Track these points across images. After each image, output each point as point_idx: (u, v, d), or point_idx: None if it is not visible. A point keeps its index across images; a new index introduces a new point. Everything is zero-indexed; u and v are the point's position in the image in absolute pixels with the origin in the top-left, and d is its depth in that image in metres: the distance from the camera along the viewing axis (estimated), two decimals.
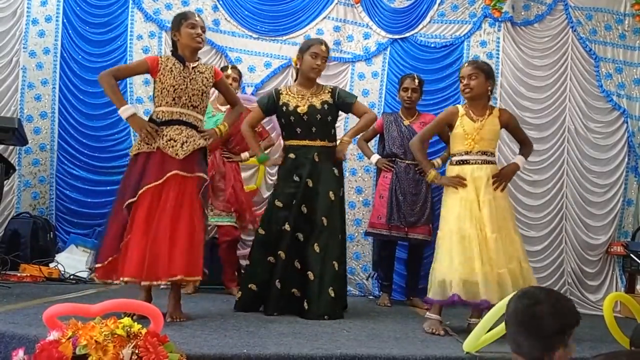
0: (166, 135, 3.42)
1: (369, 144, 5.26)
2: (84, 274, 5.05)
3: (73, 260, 5.18)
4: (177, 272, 3.26)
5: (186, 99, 3.48)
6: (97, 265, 3.35)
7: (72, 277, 4.98)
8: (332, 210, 3.99)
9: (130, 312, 2.79)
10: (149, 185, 3.33)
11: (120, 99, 3.54)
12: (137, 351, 2.16)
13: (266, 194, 5.62)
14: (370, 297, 5.42)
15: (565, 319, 1.96)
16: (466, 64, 3.78)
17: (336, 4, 5.84)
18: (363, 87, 5.80)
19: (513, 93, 5.76)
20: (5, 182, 4.98)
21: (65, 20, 5.72)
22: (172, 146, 3.40)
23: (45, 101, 5.67)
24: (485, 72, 3.70)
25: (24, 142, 5.10)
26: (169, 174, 3.34)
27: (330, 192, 4.01)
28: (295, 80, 4.34)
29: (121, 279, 3.25)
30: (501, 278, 3.43)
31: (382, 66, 5.83)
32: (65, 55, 5.71)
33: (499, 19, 5.75)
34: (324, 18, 5.84)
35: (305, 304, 3.85)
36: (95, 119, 5.68)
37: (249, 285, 3.98)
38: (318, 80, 4.23)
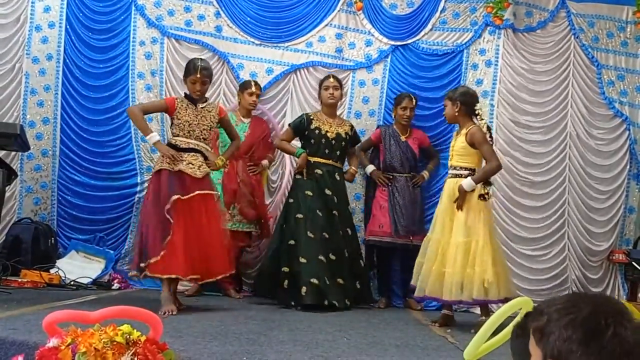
0: (185, 160, 4.21)
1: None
2: (84, 280, 5.06)
3: (74, 266, 5.19)
4: (223, 270, 4.25)
5: (199, 133, 4.32)
6: (151, 261, 3.98)
7: (72, 283, 4.98)
8: (350, 220, 5.08)
9: (130, 319, 2.79)
10: (177, 196, 4.06)
11: (147, 128, 4.35)
12: (136, 359, 2.16)
13: (268, 200, 5.64)
14: (371, 304, 5.40)
15: None
16: None
17: (338, 11, 5.83)
18: (363, 94, 5.80)
19: (513, 98, 5.74)
20: (7, 187, 4.99)
21: (68, 27, 5.72)
22: (191, 168, 4.21)
23: (47, 107, 5.68)
24: (451, 99, 4.31)
25: (26, 148, 5.11)
26: (193, 194, 4.13)
27: (348, 207, 5.11)
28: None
29: (175, 275, 4.01)
30: (459, 279, 4.00)
31: (383, 73, 5.82)
32: (67, 61, 5.72)
33: (500, 27, 5.74)
34: (326, 25, 5.84)
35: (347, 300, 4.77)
36: (98, 125, 5.69)
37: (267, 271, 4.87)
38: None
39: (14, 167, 5.29)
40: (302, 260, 4.66)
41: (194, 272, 4.06)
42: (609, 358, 1.12)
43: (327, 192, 4.89)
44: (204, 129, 4.33)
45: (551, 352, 1.16)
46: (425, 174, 5.43)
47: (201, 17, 5.82)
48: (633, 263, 5.41)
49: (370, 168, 5.42)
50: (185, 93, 4.44)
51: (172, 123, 4.38)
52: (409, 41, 5.82)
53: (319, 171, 4.93)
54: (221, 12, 5.83)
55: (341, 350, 3.02)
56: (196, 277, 4.12)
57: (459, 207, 4.10)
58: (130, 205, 5.62)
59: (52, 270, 5.08)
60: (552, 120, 5.75)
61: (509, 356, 2.08)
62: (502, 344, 2.91)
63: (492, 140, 4.31)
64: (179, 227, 4.03)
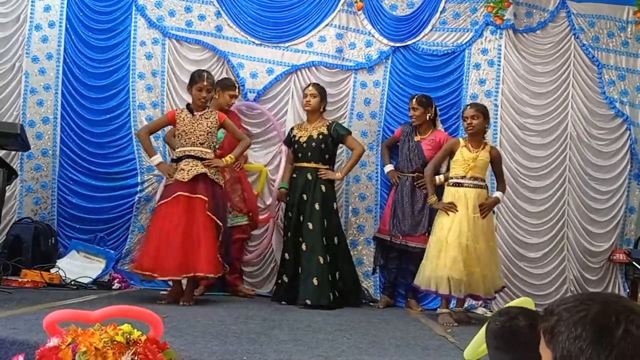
0: (179, 168, 4.55)
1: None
2: (85, 280, 5.05)
3: (74, 265, 5.18)
4: (184, 271, 4.39)
5: (195, 139, 4.59)
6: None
7: (72, 282, 4.97)
8: (316, 216, 4.97)
9: (131, 318, 2.79)
10: (162, 201, 4.58)
11: (151, 151, 4.77)
12: (136, 358, 2.15)
13: (268, 200, 5.65)
14: (372, 304, 5.41)
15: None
16: (468, 107, 4.64)
17: (339, 11, 5.82)
18: (365, 96, 5.80)
19: (514, 100, 5.74)
20: (7, 187, 4.99)
21: (68, 26, 5.72)
22: (181, 173, 4.51)
23: (47, 106, 5.67)
24: (484, 113, 4.56)
25: (26, 148, 5.10)
26: (174, 195, 4.45)
27: (316, 204, 5.01)
28: None
29: (136, 270, 4.59)
30: (478, 277, 4.38)
31: (384, 75, 5.82)
32: (67, 60, 5.71)
33: (501, 27, 5.73)
34: (327, 25, 5.83)
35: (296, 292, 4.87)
36: (98, 125, 5.69)
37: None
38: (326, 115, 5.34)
39: (14, 167, 5.29)
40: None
41: (155, 267, 4.40)
42: (621, 357, 1.07)
43: (295, 192, 5.12)
44: (200, 135, 4.58)
45: (561, 352, 1.11)
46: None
47: (202, 17, 5.81)
48: (634, 263, 5.41)
49: (388, 168, 5.42)
50: (187, 104, 4.72)
51: (175, 135, 4.77)
52: (409, 42, 5.81)
53: (294, 175, 5.20)
54: (222, 12, 5.82)
55: (341, 350, 3.02)
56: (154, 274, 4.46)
57: (485, 216, 4.51)
58: (130, 205, 5.61)
59: (53, 270, 5.07)
60: (553, 122, 5.74)
61: None
62: None
63: None
64: (155, 229, 4.52)
